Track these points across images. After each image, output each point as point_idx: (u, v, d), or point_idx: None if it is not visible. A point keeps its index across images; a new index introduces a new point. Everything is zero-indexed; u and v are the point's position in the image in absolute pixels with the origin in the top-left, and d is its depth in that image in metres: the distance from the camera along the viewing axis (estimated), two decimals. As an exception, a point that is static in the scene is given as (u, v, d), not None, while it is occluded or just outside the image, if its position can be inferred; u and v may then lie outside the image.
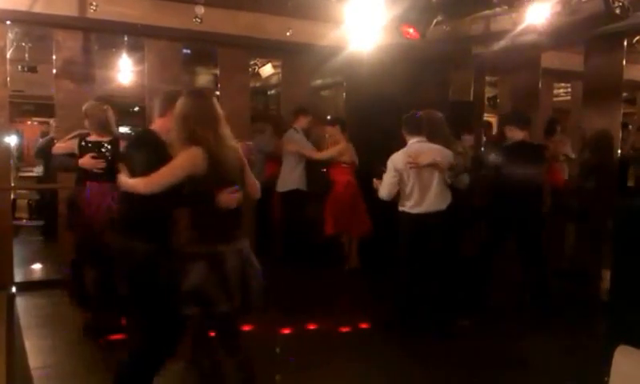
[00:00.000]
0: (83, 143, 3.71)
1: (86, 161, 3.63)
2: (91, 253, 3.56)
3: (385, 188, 3.69)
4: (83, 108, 3.80)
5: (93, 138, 3.71)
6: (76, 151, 3.71)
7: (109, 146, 3.67)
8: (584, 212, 4.93)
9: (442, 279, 3.70)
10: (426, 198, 3.64)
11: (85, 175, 3.65)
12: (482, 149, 5.71)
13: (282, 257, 5.39)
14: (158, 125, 2.50)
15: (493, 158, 4.30)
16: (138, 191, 2.27)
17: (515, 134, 4.21)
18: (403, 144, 3.78)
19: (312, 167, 5.45)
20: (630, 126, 6.43)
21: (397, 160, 3.66)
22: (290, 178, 5.36)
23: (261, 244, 5.36)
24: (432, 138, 3.77)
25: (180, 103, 2.32)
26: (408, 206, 3.69)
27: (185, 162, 2.24)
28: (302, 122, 5.40)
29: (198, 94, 2.44)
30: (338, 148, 5.27)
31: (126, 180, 2.35)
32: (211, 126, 2.31)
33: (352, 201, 5.27)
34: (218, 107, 2.39)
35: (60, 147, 3.93)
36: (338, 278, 5.30)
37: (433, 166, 3.60)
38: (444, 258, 3.67)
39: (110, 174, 3.39)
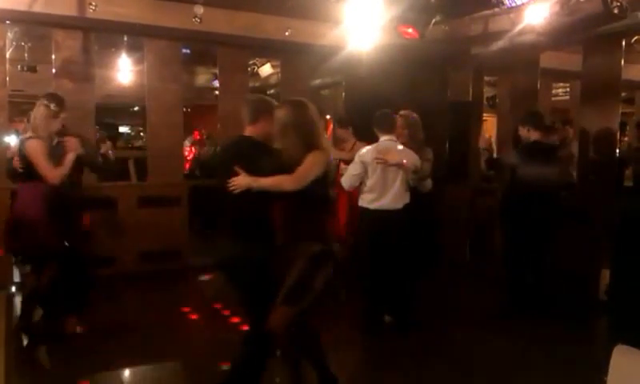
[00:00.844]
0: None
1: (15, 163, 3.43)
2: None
3: (348, 178, 3.81)
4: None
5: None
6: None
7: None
8: (583, 212, 4.93)
9: (398, 275, 3.82)
10: (386, 196, 3.73)
11: (17, 176, 3.50)
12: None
13: None
14: (251, 131, 2.61)
15: (509, 158, 4.32)
16: (284, 188, 2.40)
17: (531, 135, 4.22)
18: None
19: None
20: (628, 127, 6.44)
21: (365, 154, 3.77)
22: None
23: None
24: (410, 139, 3.97)
25: (290, 112, 2.51)
26: (367, 201, 3.79)
27: (319, 162, 2.45)
28: None
29: (302, 103, 2.59)
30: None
31: (261, 179, 2.40)
32: (320, 132, 2.55)
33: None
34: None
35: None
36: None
37: (399, 166, 3.68)
38: (400, 255, 3.76)
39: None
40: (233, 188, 2.42)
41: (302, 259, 2.41)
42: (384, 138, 3.81)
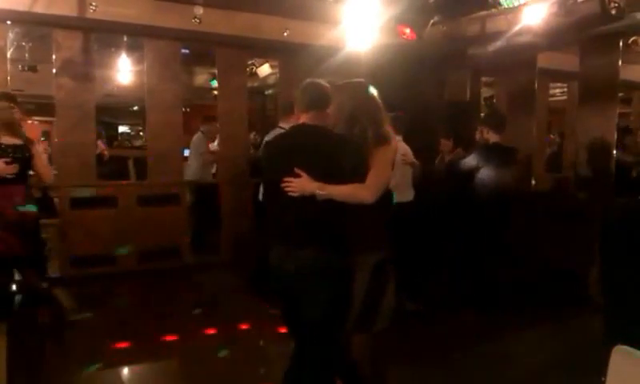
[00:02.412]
0: None
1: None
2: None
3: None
4: None
5: (3, 140, 3.45)
6: None
7: (19, 149, 3.44)
8: (582, 212, 4.96)
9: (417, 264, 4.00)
10: (409, 191, 4.11)
11: None
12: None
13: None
14: (312, 118, 2.14)
15: (467, 160, 4.35)
16: (364, 200, 2.00)
17: (490, 137, 4.28)
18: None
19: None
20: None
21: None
22: None
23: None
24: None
25: (357, 96, 2.17)
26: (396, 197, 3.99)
27: (391, 159, 2.11)
28: (291, 120, 5.27)
29: (361, 84, 2.23)
30: None
31: (330, 187, 1.99)
32: (384, 116, 2.20)
33: None
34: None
35: None
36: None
37: (413, 165, 4.07)
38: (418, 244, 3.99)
39: (19, 177, 3.36)
40: (290, 190, 2.02)
41: (362, 274, 2.07)
42: (399, 139, 3.93)
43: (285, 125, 5.23)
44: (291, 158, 2.09)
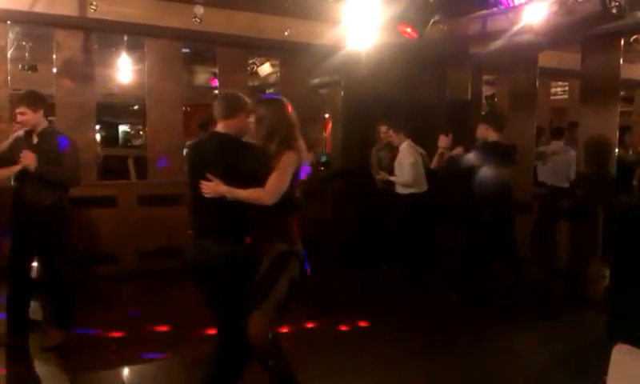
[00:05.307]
0: None
1: None
2: None
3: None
4: None
5: None
6: None
7: None
8: (583, 212, 4.95)
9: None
10: (421, 182, 5.03)
11: None
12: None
13: None
14: (225, 127, 2.49)
15: (467, 157, 4.35)
16: (263, 202, 2.34)
17: (490, 135, 4.28)
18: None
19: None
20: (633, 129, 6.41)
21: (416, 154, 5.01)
22: None
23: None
24: None
25: (276, 112, 2.47)
26: (414, 189, 4.97)
27: (291, 167, 2.39)
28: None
29: (283, 103, 2.54)
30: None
31: (236, 191, 2.34)
32: (297, 131, 2.49)
33: None
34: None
35: None
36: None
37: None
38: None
39: None
40: (205, 193, 2.36)
41: (267, 259, 2.40)
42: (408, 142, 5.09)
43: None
44: (204, 161, 2.44)
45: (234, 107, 2.51)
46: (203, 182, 2.37)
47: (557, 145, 5.68)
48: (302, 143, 2.50)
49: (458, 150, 4.67)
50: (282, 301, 2.39)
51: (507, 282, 4.46)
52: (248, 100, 2.58)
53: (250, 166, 2.40)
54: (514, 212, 4.48)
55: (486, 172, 4.20)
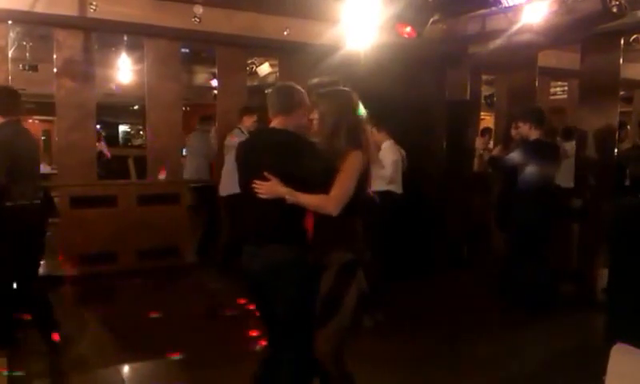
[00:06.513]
0: None
1: None
2: None
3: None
4: None
5: None
6: None
7: None
8: (583, 211, 4.94)
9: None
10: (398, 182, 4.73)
11: None
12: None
13: (222, 262, 5.17)
14: (283, 123, 2.22)
15: (513, 157, 4.23)
16: (327, 211, 2.08)
17: (532, 133, 4.18)
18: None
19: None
20: (629, 126, 6.43)
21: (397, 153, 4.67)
22: (231, 181, 5.15)
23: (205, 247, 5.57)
24: None
25: (332, 102, 2.21)
26: (393, 187, 4.64)
27: (358, 169, 2.12)
28: (247, 121, 5.19)
29: (344, 93, 2.27)
30: None
31: (297, 194, 2.07)
32: (364, 126, 2.24)
33: None
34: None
35: None
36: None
37: None
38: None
39: None
40: (260, 193, 2.10)
41: (331, 270, 2.14)
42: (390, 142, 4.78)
43: (243, 127, 5.20)
44: (260, 159, 2.16)
45: (291, 101, 2.24)
46: (259, 181, 2.10)
47: (569, 145, 5.63)
48: (370, 139, 2.24)
49: (496, 150, 4.62)
50: (351, 317, 2.14)
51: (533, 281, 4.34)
52: (305, 93, 2.31)
53: (312, 167, 2.11)
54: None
55: (532, 171, 4.09)
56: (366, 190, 2.22)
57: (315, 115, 2.23)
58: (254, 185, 2.12)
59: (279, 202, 2.09)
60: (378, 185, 4.99)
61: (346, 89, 2.32)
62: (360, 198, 2.17)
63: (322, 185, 2.08)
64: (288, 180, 2.09)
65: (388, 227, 4.78)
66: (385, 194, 4.95)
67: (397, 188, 4.91)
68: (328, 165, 2.10)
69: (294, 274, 2.13)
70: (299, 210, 2.13)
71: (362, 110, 2.23)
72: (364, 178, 2.17)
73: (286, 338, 2.19)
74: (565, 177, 5.45)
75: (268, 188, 2.09)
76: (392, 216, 4.87)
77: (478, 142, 4.77)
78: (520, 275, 4.25)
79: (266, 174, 2.09)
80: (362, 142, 2.16)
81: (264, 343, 2.41)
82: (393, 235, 4.75)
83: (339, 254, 2.14)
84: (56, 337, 3.30)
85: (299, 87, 2.33)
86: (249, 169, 2.20)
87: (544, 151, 4.18)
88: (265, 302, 2.23)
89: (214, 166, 5.88)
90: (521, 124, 4.27)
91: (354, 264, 2.15)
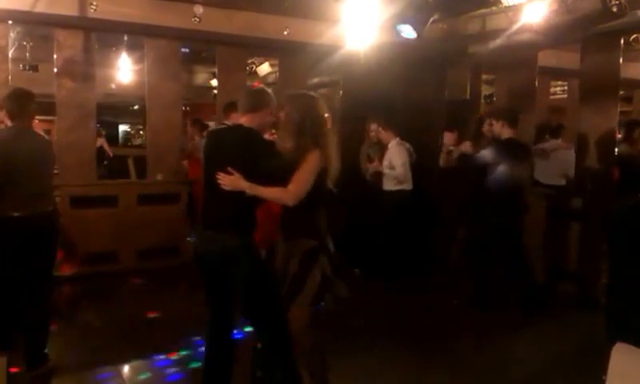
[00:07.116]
0: None
1: None
2: None
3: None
4: None
5: None
6: None
7: None
8: (583, 212, 4.94)
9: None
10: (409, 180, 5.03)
11: None
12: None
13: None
14: (248, 121, 2.44)
15: (483, 155, 4.24)
16: (284, 202, 2.35)
17: (505, 131, 4.20)
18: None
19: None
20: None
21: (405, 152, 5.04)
22: None
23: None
24: None
25: (305, 109, 2.41)
26: (405, 185, 4.96)
27: (316, 167, 2.34)
28: (234, 118, 5.22)
29: (314, 99, 2.48)
30: None
31: (257, 187, 2.31)
32: (326, 129, 2.43)
33: None
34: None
35: None
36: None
37: None
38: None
39: None
40: (223, 185, 2.32)
41: (295, 257, 2.38)
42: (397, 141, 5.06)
43: (227, 122, 5.15)
44: (224, 153, 2.40)
45: (259, 102, 2.47)
46: (222, 174, 2.32)
47: (555, 143, 5.67)
48: (329, 140, 2.42)
49: (465, 146, 4.59)
50: (317, 293, 2.37)
51: (512, 282, 4.40)
52: (272, 96, 2.53)
53: (271, 162, 2.34)
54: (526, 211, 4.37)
55: (503, 170, 4.10)
56: (327, 185, 2.44)
57: (282, 114, 2.47)
58: (217, 177, 2.33)
59: (239, 194, 2.31)
60: (389, 185, 5.06)
61: (313, 94, 2.56)
62: (322, 193, 2.41)
63: (281, 180, 2.32)
64: (248, 174, 2.31)
65: (401, 224, 4.91)
66: (396, 194, 5.00)
67: (408, 186, 5.04)
68: (285, 161, 2.34)
69: (248, 257, 2.38)
70: (254, 204, 2.39)
71: (325, 114, 2.45)
72: (323, 175, 2.39)
73: (257, 320, 2.48)
74: (553, 175, 5.45)
75: (230, 181, 2.32)
76: (405, 214, 4.94)
77: (448, 138, 4.74)
78: (501, 278, 4.29)
79: (229, 169, 2.31)
80: (321, 142, 2.38)
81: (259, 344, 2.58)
82: (403, 232, 4.90)
83: (303, 242, 2.39)
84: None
85: (268, 89, 2.59)
86: (213, 162, 2.42)
87: (515, 151, 4.18)
88: (217, 283, 2.48)
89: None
90: (494, 121, 4.28)
91: (316, 250, 2.38)
